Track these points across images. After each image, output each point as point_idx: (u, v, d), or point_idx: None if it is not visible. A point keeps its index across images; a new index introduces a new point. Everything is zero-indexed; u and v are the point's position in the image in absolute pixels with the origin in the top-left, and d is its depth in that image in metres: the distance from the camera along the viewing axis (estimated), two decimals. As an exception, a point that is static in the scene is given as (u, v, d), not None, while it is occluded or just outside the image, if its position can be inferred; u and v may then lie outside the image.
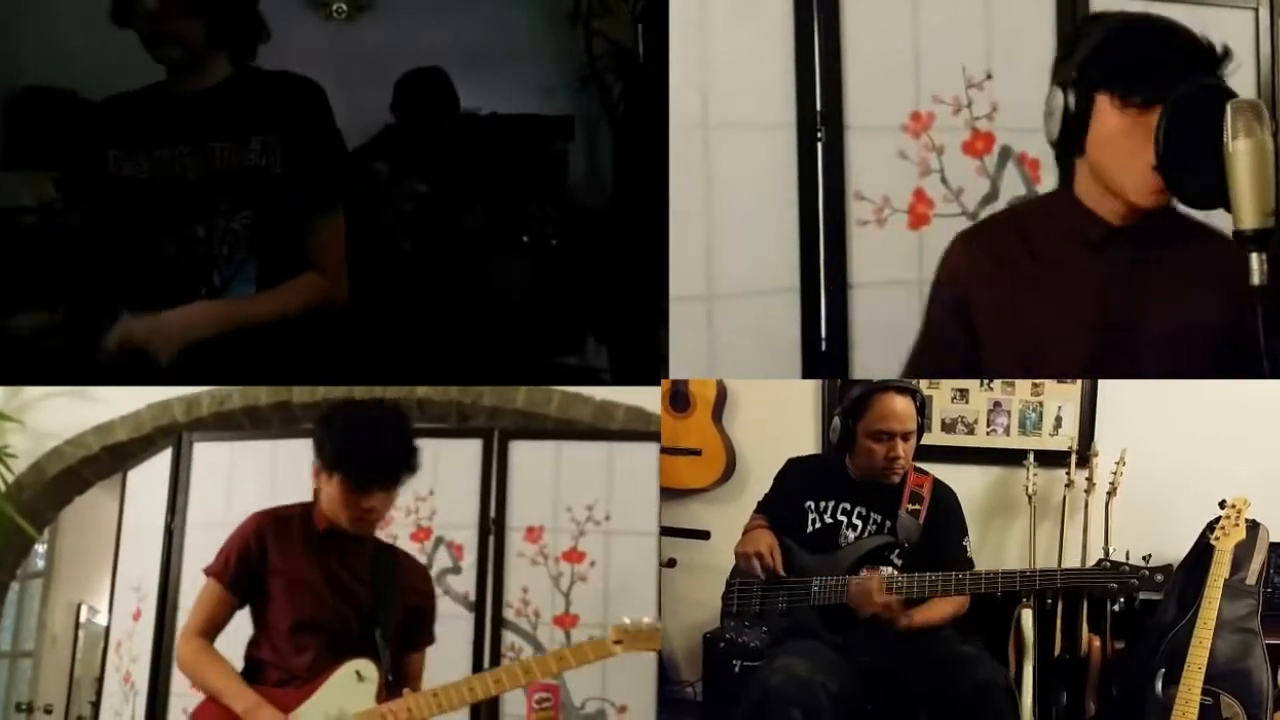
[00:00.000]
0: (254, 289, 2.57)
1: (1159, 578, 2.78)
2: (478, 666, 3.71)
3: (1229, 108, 1.94)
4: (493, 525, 3.82)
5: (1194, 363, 2.33)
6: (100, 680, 4.24)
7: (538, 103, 5.10)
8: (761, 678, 2.91)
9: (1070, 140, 2.27)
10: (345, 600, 2.63)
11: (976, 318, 2.37)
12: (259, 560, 2.62)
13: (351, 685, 2.56)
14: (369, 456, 2.57)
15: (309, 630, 2.59)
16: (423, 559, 3.81)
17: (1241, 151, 1.92)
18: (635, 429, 3.85)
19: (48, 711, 6.34)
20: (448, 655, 3.62)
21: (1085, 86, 2.22)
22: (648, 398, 3.89)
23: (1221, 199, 1.96)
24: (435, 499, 3.88)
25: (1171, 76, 2.11)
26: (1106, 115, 2.20)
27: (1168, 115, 2.03)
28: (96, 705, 4.23)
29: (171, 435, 3.98)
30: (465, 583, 3.82)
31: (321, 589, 2.62)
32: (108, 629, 4.31)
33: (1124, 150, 2.19)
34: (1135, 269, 2.30)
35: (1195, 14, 3.78)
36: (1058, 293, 2.31)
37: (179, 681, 3.71)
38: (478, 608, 3.78)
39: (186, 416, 4.01)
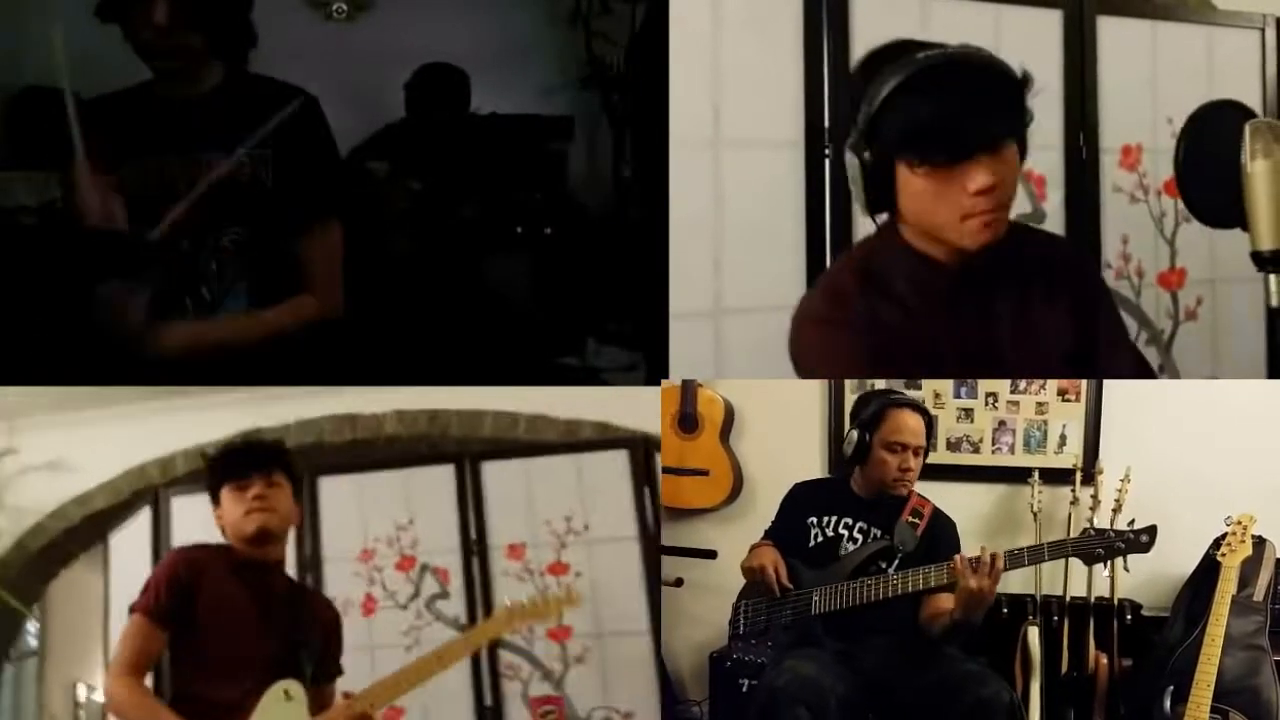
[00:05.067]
0: (245, 303, 2.59)
1: (1144, 539, 2.72)
2: (478, 688, 3.77)
3: (1247, 129, 1.93)
4: (475, 546, 3.86)
5: (1055, 363, 2.34)
6: (102, 759, 4.22)
7: (538, 103, 5.10)
8: (768, 680, 2.93)
9: (881, 204, 2.20)
10: (271, 627, 2.63)
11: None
12: (188, 593, 2.59)
13: (281, 705, 2.55)
14: (237, 449, 2.77)
15: (240, 660, 2.57)
16: (409, 587, 3.90)
17: (1260, 172, 1.91)
18: (600, 439, 3.87)
19: (58, 791, 6.28)
20: (447, 680, 3.64)
21: (880, 154, 2.13)
22: (647, 398, 3.89)
23: (1238, 219, 1.96)
24: (416, 527, 3.93)
25: (969, 125, 2.05)
26: (910, 180, 2.12)
27: (1185, 136, 2.03)
28: (100, 785, 4.22)
29: (148, 497, 3.98)
30: (455, 606, 3.87)
31: (250, 616, 2.61)
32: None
33: (939, 208, 2.12)
34: (986, 299, 2.29)
35: (1201, 33, 3.82)
36: (925, 338, 2.27)
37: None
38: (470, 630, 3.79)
39: (163, 477, 3.98)
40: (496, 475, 3.92)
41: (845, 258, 2.48)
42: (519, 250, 4.50)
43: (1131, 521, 2.81)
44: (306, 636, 2.67)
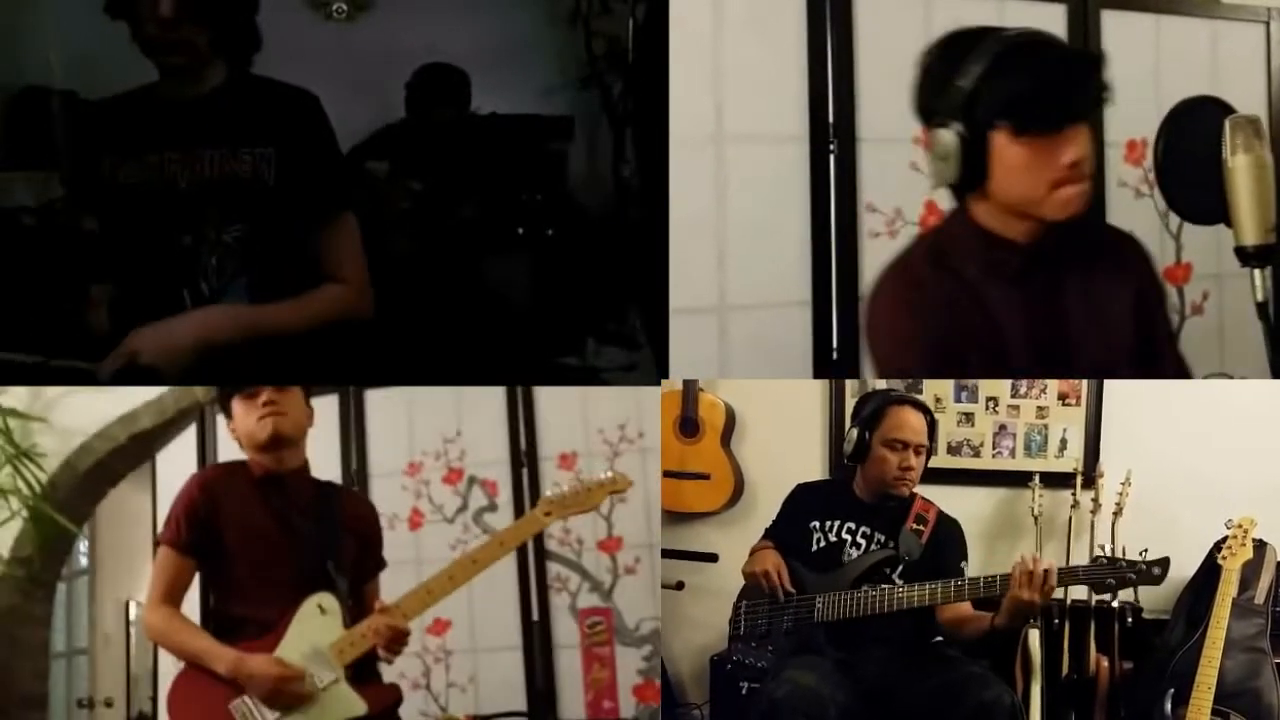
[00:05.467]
0: (246, 299, 2.55)
1: (1156, 570, 2.69)
2: (525, 601, 3.79)
3: (1227, 124, 1.93)
4: (524, 458, 3.85)
5: (1119, 360, 2.36)
6: (155, 675, 4.29)
7: (538, 103, 5.09)
8: (767, 691, 2.90)
9: (972, 181, 2.22)
10: (297, 540, 2.68)
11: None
12: (209, 517, 2.66)
13: (316, 619, 2.60)
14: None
15: (270, 576, 2.64)
16: (456, 500, 3.90)
17: (1240, 167, 1.90)
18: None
19: (108, 705, 6.34)
20: (496, 593, 3.73)
21: (978, 123, 2.15)
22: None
23: (1219, 215, 1.95)
24: (464, 439, 3.93)
25: (1065, 98, 2.11)
26: (1005, 149, 2.16)
27: (1163, 134, 2.02)
28: (155, 700, 4.24)
29: (194, 414, 4.03)
30: (503, 519, 3.84)
31: (274, 533, 2.67)
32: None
33: (1031, 179, 2.16)
34: (1055, 286, 2.31)
35: (1205, 27, 3.79)
36: (990, 324, 2.29)
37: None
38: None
39: (208, 395, 3.98)
40: (549, 391, 3.93)
41: (915, 241, 2.52)
42: (519, 250, 4.50)
43: (1144, 552, 2.77)
44: (337, 542, 2.70)
